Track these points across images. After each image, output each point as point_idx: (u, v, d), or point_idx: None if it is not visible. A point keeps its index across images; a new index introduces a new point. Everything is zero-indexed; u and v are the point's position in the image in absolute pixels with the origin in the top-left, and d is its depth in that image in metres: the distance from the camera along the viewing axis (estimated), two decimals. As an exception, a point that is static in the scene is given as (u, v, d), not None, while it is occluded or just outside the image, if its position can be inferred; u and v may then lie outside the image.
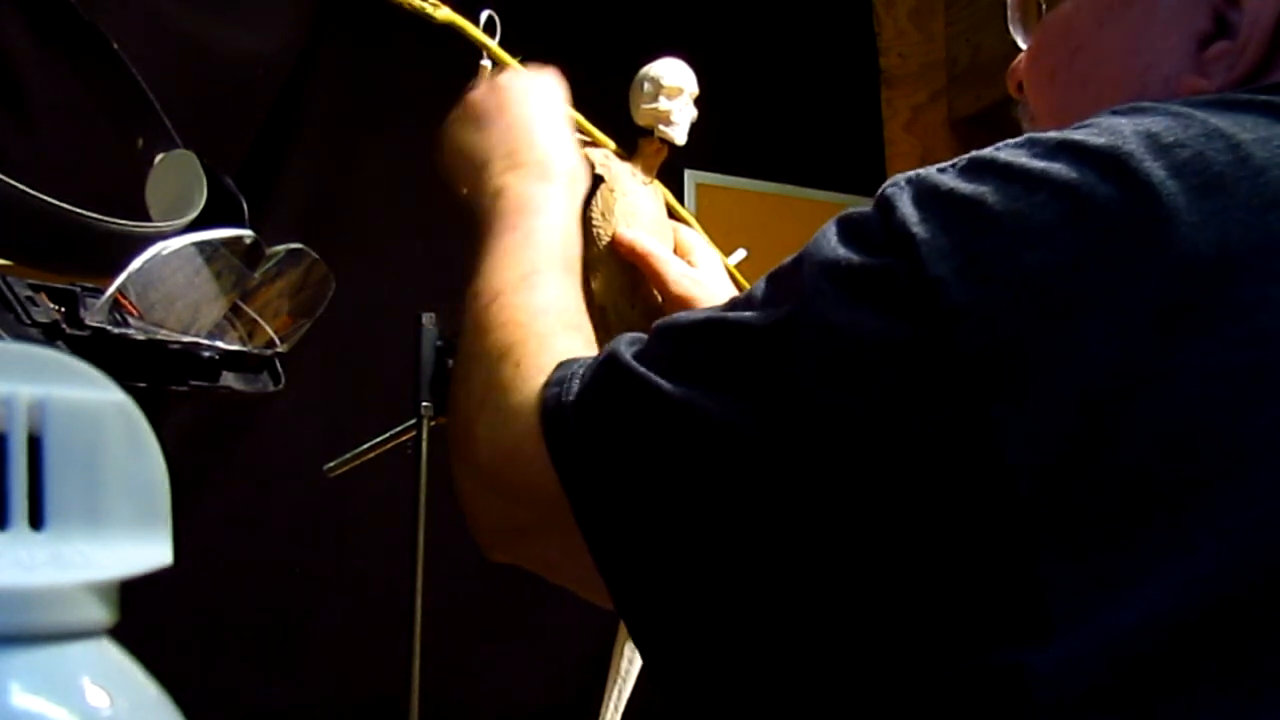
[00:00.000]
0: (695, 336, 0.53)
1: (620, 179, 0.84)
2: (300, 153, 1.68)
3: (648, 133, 0.87)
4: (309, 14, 1.64)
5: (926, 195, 0.48)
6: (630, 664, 1.07)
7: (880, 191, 0.50)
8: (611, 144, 0.89)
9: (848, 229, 0.50)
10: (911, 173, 0.50)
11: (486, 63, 0.84)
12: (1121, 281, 0.44)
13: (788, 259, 0.52)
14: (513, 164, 0.76)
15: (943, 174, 0.49)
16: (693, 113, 0.88)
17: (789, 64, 2.13)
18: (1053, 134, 0.49)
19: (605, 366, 0.56)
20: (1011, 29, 0.69)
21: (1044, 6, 0.65)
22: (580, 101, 0.85)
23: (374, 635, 1.56)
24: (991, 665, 0.44)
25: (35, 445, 0.33)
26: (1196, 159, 0.45)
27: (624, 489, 0.53)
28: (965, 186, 0.47)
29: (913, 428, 0.45)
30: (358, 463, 1.31)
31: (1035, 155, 0.47)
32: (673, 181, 1.06)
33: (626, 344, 0.56)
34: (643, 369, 0.53)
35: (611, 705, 1.08)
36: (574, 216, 0.76)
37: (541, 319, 0.66)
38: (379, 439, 1.31)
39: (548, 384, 0.58)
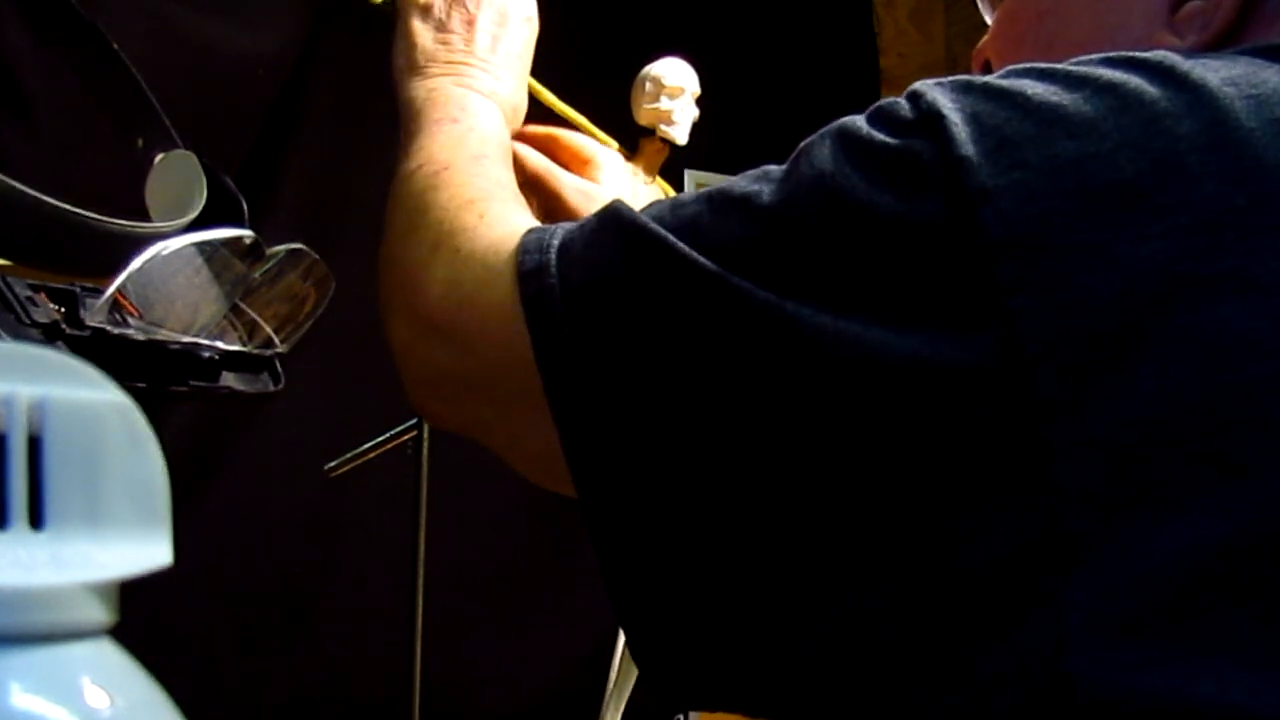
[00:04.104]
0: (699, 204, 0.49)
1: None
2: (300, 153, 1.68)
3: (649, 133, 0.87)
4: (309, 14, 1.64)
5: (960, 86, 0.46)
6: (630, 664, 1.07)
7: (910, 88, 0.47)
8: (614, 144, 0.89)
9: (876, 113, 0.47)
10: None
11: None
12: (1169, 180, 0.42)
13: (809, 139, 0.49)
14: (455, 71, 0.70)
15: (977, 78, 0.47)
16: (694, 112, 0.87)
17: (790, 64, 2.13)
18: (1094, 56, 0.47)
19: (606, 219, 0.51)
20: (980, 4, 0.69)
21: None
22: (582, 101, 0.85)
23: (374, 634, 1.56)
24: (1013, 586, 0.41)
25: (35, 445, 0.33)
26: (1243, 76, 0.44)
27: (613, 355, 0.48)
28: (1002, 82, 0.46)
29: (925, 315, 0.43)
30: (358, 463, 1.31)
31: (1078, 64, 0.46)
32: (674, 181, 1.06)
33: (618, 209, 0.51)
34: (655, 226, 0.48)
35: (611, 705, 1.08)
36: (505, 135, 0.70)
37: (502, 191, 0.62)
38: (379, 439, 1.31)
39: (528, 233, 0.53)
